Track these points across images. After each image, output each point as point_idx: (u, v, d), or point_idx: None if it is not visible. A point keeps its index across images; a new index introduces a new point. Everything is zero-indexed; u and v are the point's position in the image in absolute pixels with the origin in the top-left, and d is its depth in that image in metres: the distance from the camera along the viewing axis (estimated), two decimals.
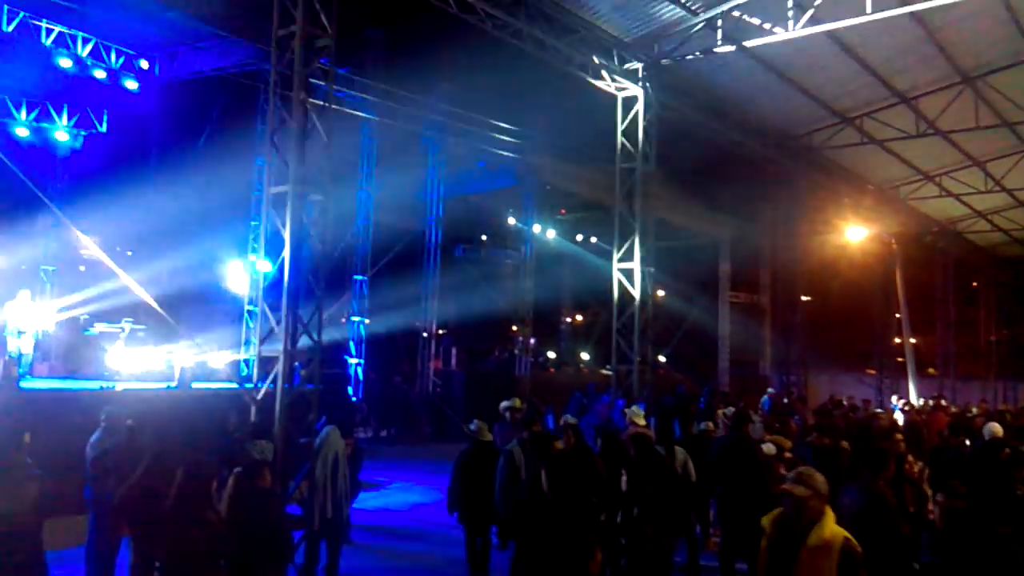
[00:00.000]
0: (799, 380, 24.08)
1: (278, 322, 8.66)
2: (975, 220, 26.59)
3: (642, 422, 9.65)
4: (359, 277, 19.79)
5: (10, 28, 14.54)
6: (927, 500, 6.36)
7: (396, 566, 9.24)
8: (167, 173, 17.69)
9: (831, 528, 4.21)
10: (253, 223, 16.79)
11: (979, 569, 4.90)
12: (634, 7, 13.04)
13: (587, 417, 13.87)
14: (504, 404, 10.17)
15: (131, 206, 16.30)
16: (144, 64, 16.42)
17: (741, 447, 8.31)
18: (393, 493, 13.28)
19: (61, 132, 16.91)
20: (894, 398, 23.82)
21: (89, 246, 15.49)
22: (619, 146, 14.22)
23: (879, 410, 15.32)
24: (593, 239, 26.41)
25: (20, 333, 12.70)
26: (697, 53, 13.75)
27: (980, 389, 27.34)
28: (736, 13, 13.03)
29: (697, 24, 13.41)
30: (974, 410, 16.73)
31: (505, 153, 19.97)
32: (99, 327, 14.55)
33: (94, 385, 11.91)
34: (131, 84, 16.11)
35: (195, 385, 12.87)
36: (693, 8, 13.12)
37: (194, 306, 16.30)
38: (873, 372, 27.70)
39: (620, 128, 14.21)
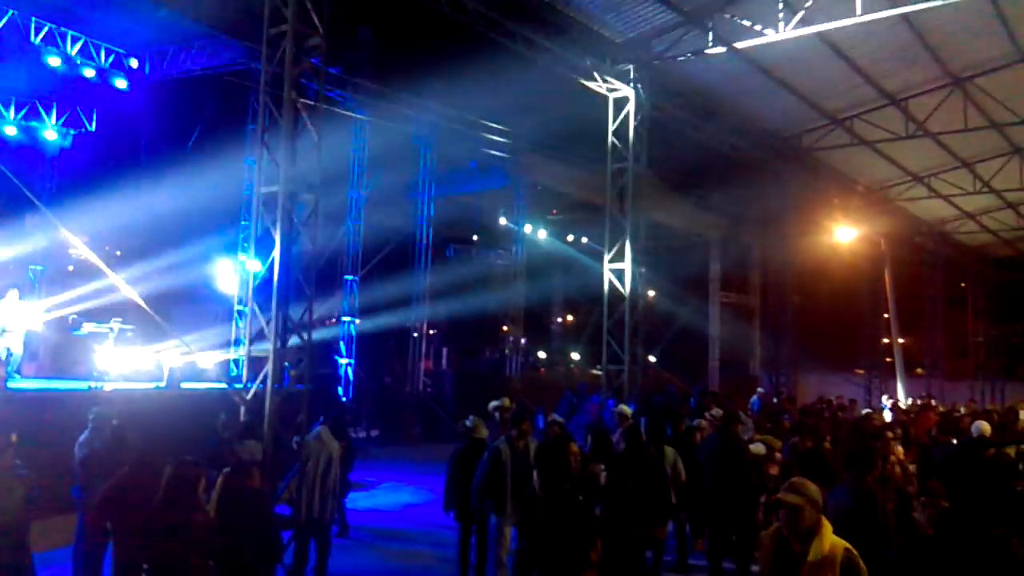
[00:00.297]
0: (788, 380, 24.17)
1: (268, 322, 8.64)
2: (963, 221, 26.72)
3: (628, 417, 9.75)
4: (350, 277, 19.76)
5: None
6: (909, 499, 6.38)
7: (387, 566, 9.23)
8: (157, 173, 17.60)
9: (830, 540, 4.17)
10: (243, 223, 16.75)
11: (971, 570, 4.91)
12: (625, 9, 13.07)
13: (577, 417, 13.91)
14: (493, 404, 10.18)
15: (120, 205, 16.22)
16: (134, 63, 16.36)
17: (729, 447, 8.36)
18: (383, 493, 13.27)
19: (50, 131, 16.81)
20: (883, 398, 23.96)
21: (78, 246, 15.41)
22: (610, 147, 14.26)
23: (868, 410, 15.38)
24: (584, 239, 26.44)
25: (3, 331, 12.60)
26: (688, 55, 13.80)
27: (967, 389, 27.50)
28: (727, 15, 13.08)
29: (688, 26, 13.45)
30: (962, 409, 16.83)
31: (496, 153, 19.98)
32: (87, 327, 14.45)
33: (82, 385, 11.85)
34: (121, 83, 16.05)
35: (184, 385, 12.84)
36: (684, 10, 13.15)
37: (183, 306, 16.24)
38: (862, 372, 27.85)
39: (611, 129, 14.25)
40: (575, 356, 28.25)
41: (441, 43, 16.49)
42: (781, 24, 12.60)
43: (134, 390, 12.12)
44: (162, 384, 12.62)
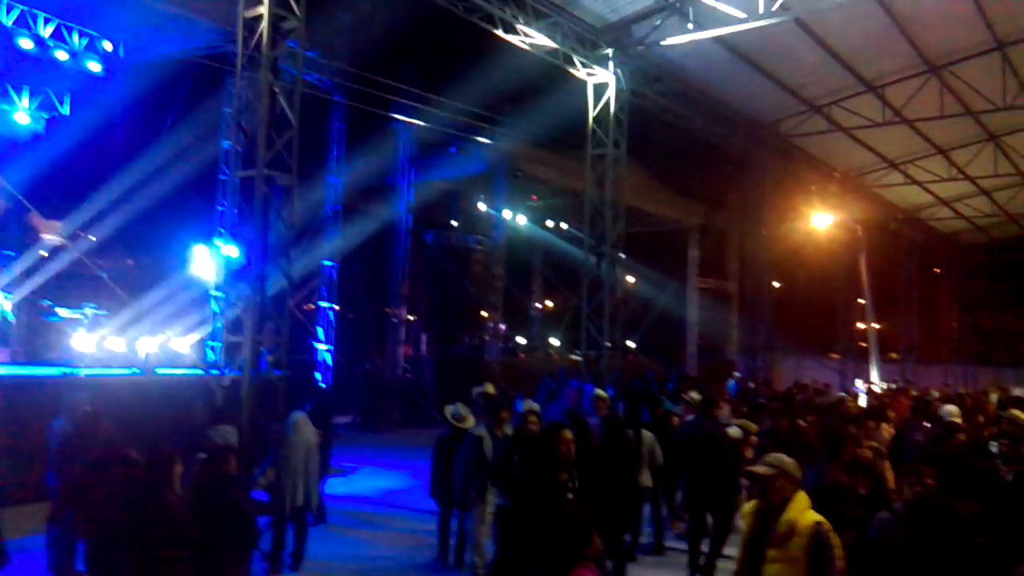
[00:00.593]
0: (764, 364, 24.37)
1: (244, 308, 8.59)
2: (938, 207, 27.01)
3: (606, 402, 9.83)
4: (328, 263, 19.64)
5: None
6: (884, 482, 6.46)
7: (366, 552, 9.22)
8: (132, 157, 17.35)
9: (800, 512, 4.20)
10: (219, 207, 16.58)
11: (946, 551, 4.96)
12: None
13: (556, 402, 13.93)
14: (477, 390, 10.23)
15: (95, 190, 16.02)
16: (108, 46, 16.06)
17: (707, 431, 8.42)
18: (362, 478, 13.25)
19: (21, 114, 16.47)
20: (858, 382, 24.23)
21: (51, 231, 15.22)
22: (590, 132, 14.25)
23: (842, 394, 15.53)
24: (564, 225, 26.45)
25: None
26: (668, 40, 13.78)
27: (941, 373, 27.87)
28: (706, 0, 13.08)
29: (667, 11, 13.44)
30: (935, 394, 17.06)
31: (476, 139, 19.90)
32: (62, 312, 14.32)
33: (56, 371, 11.73)
34: (94, 66, 15.75)
35: (160, 371, 12.75)
36: None
37: (159, 291, 16.07)
38: (837, 357, 28.12)
39: (591, 114, 14.23)
40: (554, 342, 28.27)
41: (420, 28, 16.38)
42: (760, 9, 12.61)
43: (109, 376, 12.02)
44: (137, 370, 12.53)
